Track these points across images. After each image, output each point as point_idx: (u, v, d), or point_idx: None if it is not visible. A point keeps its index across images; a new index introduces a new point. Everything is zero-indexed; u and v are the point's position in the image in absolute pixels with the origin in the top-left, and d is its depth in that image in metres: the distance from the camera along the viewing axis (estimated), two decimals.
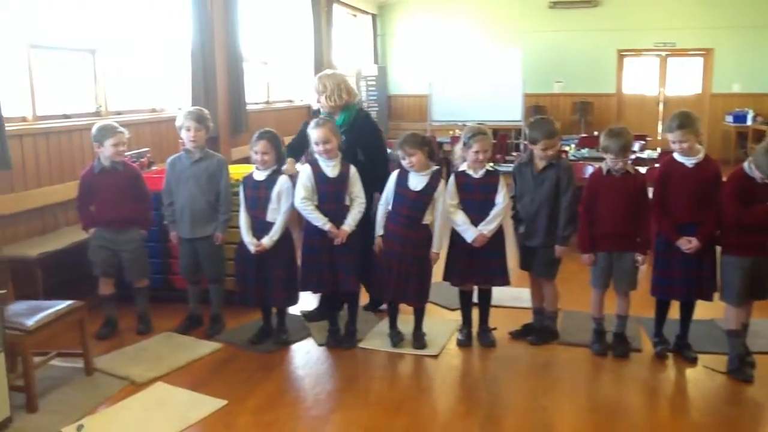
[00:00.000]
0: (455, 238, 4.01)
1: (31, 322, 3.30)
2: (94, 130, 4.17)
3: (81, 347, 3.67)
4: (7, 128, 4.38)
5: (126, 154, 4.40)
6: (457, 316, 4.32)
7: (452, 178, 4.02)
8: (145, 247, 4.33)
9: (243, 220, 3.98)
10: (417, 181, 3.88)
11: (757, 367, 3.74)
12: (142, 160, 5.26)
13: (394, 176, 3.96)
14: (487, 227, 3.89)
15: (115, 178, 4.19)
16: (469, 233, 3.89)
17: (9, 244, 4.39)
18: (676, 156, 3.78)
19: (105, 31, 5.85)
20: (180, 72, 6.85)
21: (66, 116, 5.31)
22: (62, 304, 3.55)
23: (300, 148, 4.46)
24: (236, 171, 4.78)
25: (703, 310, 4.03)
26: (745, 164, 3.61)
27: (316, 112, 4.66)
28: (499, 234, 3.98)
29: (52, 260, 4.43)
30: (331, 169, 3.93)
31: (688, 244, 3.67)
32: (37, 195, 4.75)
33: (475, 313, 4.19)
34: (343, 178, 3.94)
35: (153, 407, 3.33)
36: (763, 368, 3.74)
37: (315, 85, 4.35)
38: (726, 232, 3.64)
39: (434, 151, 4.01)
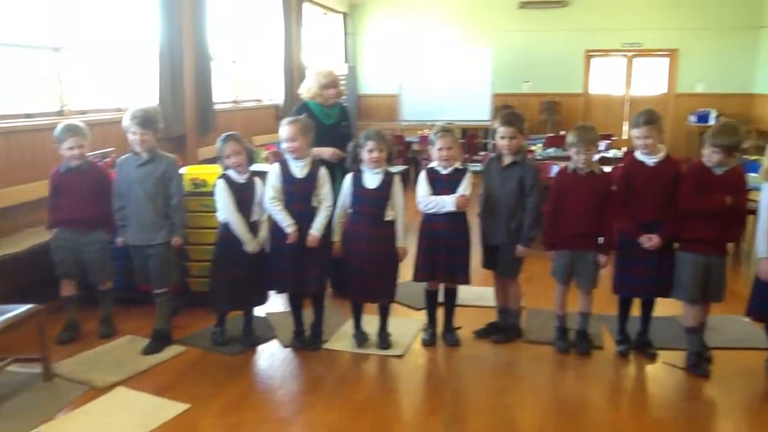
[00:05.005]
0: (421, 235, 4.03)
1: None
2: (56, 130, 4.11)
3: (40, 352, 3.61)
4: None
5: (89, 154, 4.34)
6: (422, 316, 4.34)
7: (423, 173, 4.06)
8: (108, 249, 4.27)
9: (239, 220, 3.92)
10: (372, 180, 3.90)
11: (715, 362, 3.83)
12: (107, 160, 5.18)
13: (349, 179, 3.96)
14: (462, 192, 3.91)
15: (79, 178, 4.13)
16: (448, 202, 3.90)
17: None
18: (638, 155, 3.84)
19: (69, 29, 5.77)
20: (147, 71, 6.78)
21: (28, 116, 5.23)
22: (20, 309, 3.50)
23: None
24: (202, 171, 4.77)
25: (664, 307, 4.11)
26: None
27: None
28: (464, 232, 4.01)
29: (11, 263, 4.35)
30: (299, 169, 3.93)
31: (648, 241, 3.73)
32: None
33: (441, 313, 4.21)
34: (311, 178, 3.93)
35: (113, 413, 3.29)
36: (720, 363, 3.83)
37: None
38: (682, 226, 3.70)
39: (392, 154, 4.02)
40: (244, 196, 3.95)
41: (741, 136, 3.66)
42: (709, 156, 3.63)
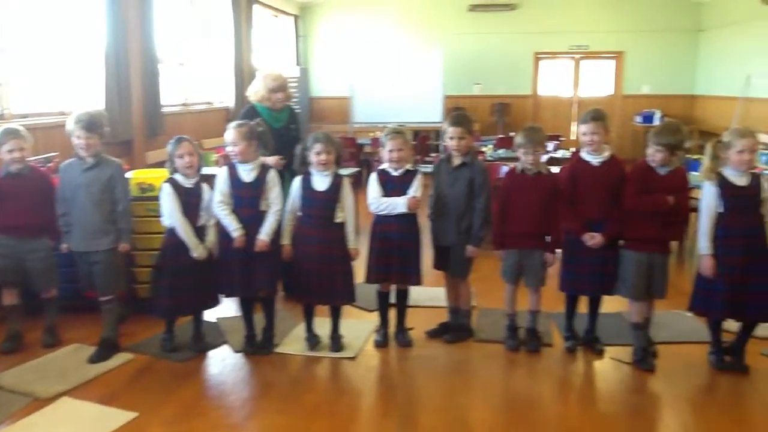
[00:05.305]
0: (373, 236, 4.04)
1: None
2: None
3: None
4: None
5: (31, 159, 4.22)
6: (374, 318, 4.34)
7: (374, 175, 4.06)
8: (53, 256, 4.15)
9: (185, 225, 3.85)
10: (321, 182, 3.90)
11: (660, 356, 3.94)
12: (50, 165, 5.06)
13: (297, 182, 3.95)
14: (412, 194, 3.94)
15: (20, 183, 4.00)
16: (399, 203, 3.92)
17: None
18: (583, 155, 3.92)
19: (10, 30, 5.60)
20: (93, 73, 6.62)
21: None
22: None
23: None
24: (149, 175, 4.69)
25: (611, 304, 4.20)
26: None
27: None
28: (415, 233, 4.03)
29: None
30: (247, 173, 3.90)
31: (591, 239, 3.81)
32: None
33: (393, 314, 4.22)
34: (259, 183, 3.90)
35: (58, 424, 3.20)
36: (665, 358, 3.94)
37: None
38: (626, 225, 3.79)
39: (341, 156, 4.01)
40: (190, 200, 3.89)
41: (683, 135, 3.77)
42: (653, 154, 3.73)
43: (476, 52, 12.87)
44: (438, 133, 11.20)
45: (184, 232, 3.83)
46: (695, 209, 3.89)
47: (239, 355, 4.04)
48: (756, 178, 3.65)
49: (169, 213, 3.86)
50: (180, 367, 3.87)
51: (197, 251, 3.84)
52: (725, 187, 3.63)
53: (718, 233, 3.66)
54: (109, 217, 3.96)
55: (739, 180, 3.62)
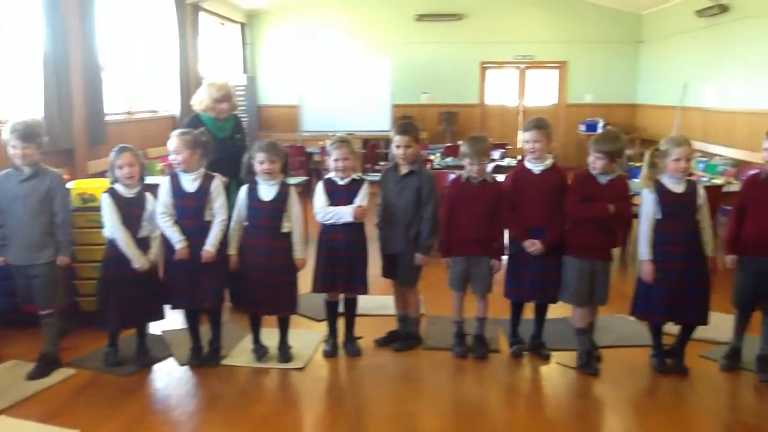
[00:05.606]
0: (320, 246, 4.03)
1: None
2: None
3: None
4: None
5: None
6: (323, 327, 4.32)
7: (320, 184, 4.05)
8: None
9: (125, 236, 3.77)
10: (267, 191, 3.87)
11: (604, 360, 4.02)
12: None
13: (244, 191, 3.92)
14: (359, 203, 3.94)
15: None
16: (346, 213, 3.92)
17: None
18: (526, 163, 4.00)
19: None
20: (31, 80, 6.43)
21: None
22: None
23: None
24: (90, 185, 4.58)
25: (557, 309, 4.27)
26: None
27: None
28: (361, 243, 4.03)
29: None
30: (190, 182, 3.84)
31: (532, 246, 3.87)
32: None
33: (342, 323, 4.21)
34: (203, 192, 3.85)
35: None
36: (608, 361, 4.02)
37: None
38: (568, 233, 3.87)
39: (287, 165, 3.98)
40: (132, 211, 3.81)
41: (622, 142, 3.87)
42: (593, 162, 3.82)
43: (424, 62, 12.98)
44: (387, 142, 11.24)
45: (124, 243, 3.75)
46: (637, 215, 3.99)
47: (185, 368, 3.96)
48: (692, 185, 3.77)
49: (110, 224, 3.77)
50: (124, 382, 3.78)
51: (139, 262, 3.77)
52: (663, 194, 3.74)
53: (656, 239, 3.76)
54: (47, 229, 3.83)
55: (676, 187, 3.74)
